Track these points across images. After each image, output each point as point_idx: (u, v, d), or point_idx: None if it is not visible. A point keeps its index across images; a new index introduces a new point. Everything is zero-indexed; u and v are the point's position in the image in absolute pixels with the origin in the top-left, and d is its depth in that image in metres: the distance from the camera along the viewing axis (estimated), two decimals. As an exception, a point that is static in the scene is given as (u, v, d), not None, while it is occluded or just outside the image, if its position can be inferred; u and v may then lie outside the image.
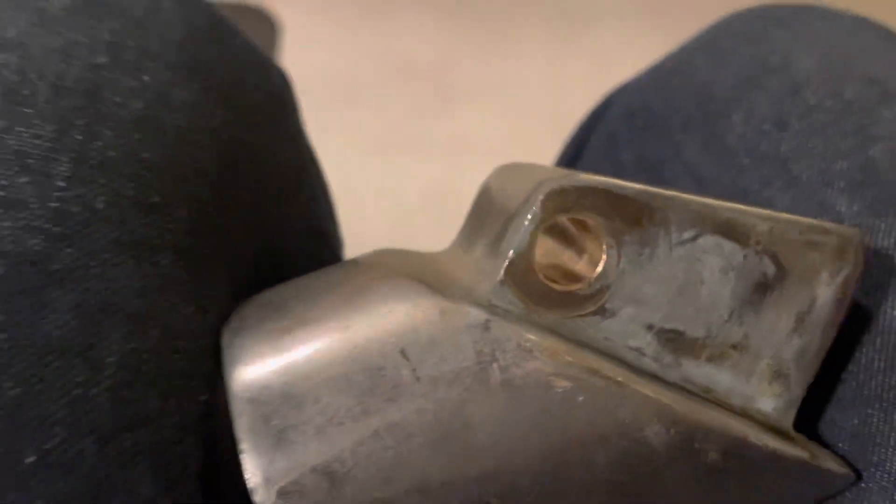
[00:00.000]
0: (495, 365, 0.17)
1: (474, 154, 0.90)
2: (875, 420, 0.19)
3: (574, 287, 0.18)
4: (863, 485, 0.19)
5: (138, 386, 0.16)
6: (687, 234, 0.18)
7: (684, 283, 0.18)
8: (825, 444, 0.20)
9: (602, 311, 0.18)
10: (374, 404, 0.17)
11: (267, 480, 0.16)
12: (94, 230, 0.17)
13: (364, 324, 0.18)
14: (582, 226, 0.18)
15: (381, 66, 0.92)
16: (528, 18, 1.00)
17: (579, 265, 0.19)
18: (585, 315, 0.18)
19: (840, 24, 0.27)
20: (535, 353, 0.17)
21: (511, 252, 0.17)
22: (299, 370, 0.17)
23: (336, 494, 0.16)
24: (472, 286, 0.18)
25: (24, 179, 0.17)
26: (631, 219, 0.18)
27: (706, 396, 0.19)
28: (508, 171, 0.22)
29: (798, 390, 0.19)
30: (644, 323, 0.18)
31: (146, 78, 0.20)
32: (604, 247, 0.18)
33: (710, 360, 0.19)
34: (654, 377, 0.18)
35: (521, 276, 0.17)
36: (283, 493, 0.16)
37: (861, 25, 0.27)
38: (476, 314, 0.17)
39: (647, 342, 0.18)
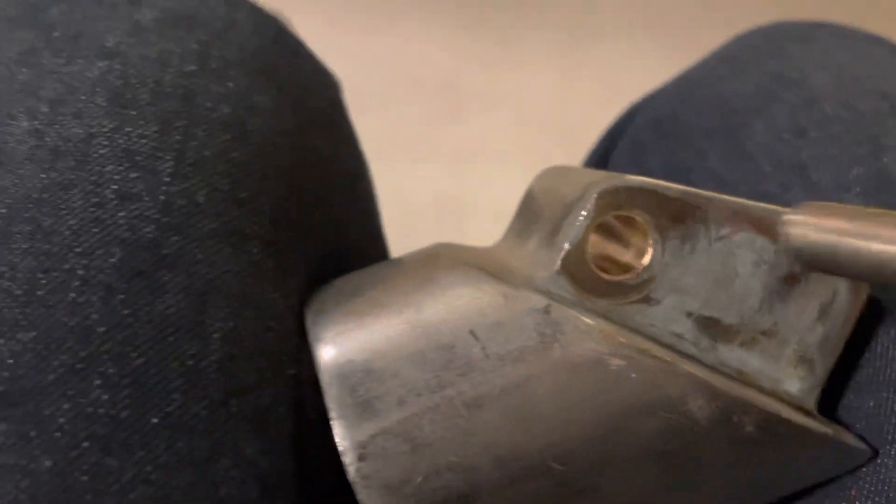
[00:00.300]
0: (556, 345, 0.19)
1: (482, 162, 0.92)
2: (890, 402, 0.21)
3: (622, 277, 0.20)
4: (879, 460, 0.21)
5: (239, 359, 0.18)
6: (724, 231, 0.20)
7: (721, 276, 0.20)
8: (844, 425, 0.22)
9: (647, 300, 0.20)
10: (448, 378, 0.19)
11: (354, 444, 0.18)
12: (196, 220, 0.19)
13: (435, 307, 0.20)
14: (629, 222, 0.20)
15: (391, 74, 0.94)
16: (537, 31, 1.03)
17: (626, 257, 0.21)
18: (632, 303, 0.20)
19: (854, 41, 0.29)
20: (591, 334, 0.19)
21: (566, 245, 0.19)
22: (379, 347, 0.19)
23: (415, 457, 0.18)
24: (531, 275, 0.20)
25: (134, 175, 0.19)
26: (674, 216, 0.20)
27: (739, 378, 0.21)
28: (555, 174, 0.24)
29: (821, 374, 0.21)
30: (684, 310, 0.20)
31: (231, 84, 0.22)
32: (650, 241, 0.20)
33: (742, 345, 0.21)
34: (694, 359, 0.20)
35: (576, 266, 0.20)
36: (368, 456, 0.18)
37: (874, 43, 0.29)
38: (537, 299, 0.19)
39: (687, 328, 0.20)
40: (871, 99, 0.26)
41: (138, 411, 0.17)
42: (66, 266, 0.17)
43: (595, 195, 0.19)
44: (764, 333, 0.21)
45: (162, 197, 0.19)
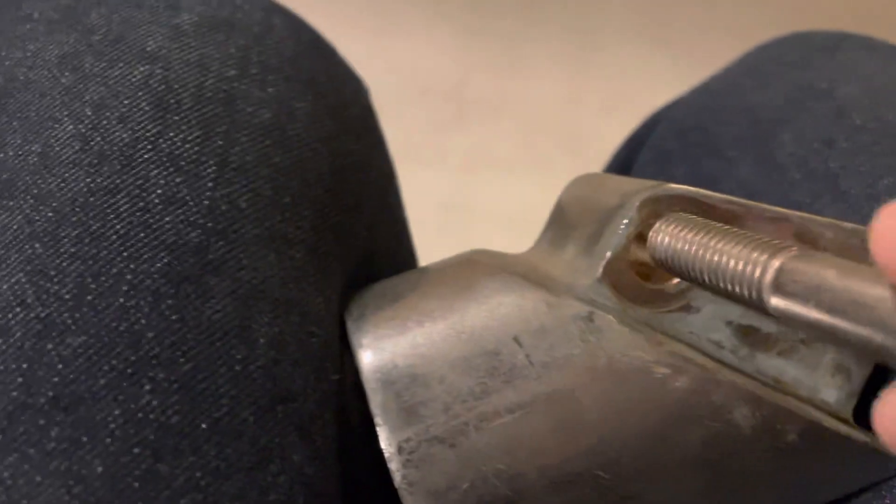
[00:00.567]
0: (601, 352, 0.19)
1: (488, 169, 0.93)
2: None
3: (663, 285, 0.20)
4: None
5: (285, 365, 0.18)
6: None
7: None
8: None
9: (687, 308, 0.20)
10: (494, 385, 0.19)
11: (400, 450, 0.18)
12: (240, 225, 0.19)
13: (478, 314, 0.20)
14: None
15: (398, 81, 0.94)
16: (544, 39, 1.03)
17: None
18: (673, 311, 0.20)
19: (880, 52, 0.29)
20: (636, 342, 0.19)
21: (608, 253, 0.19)
22: (423, 353, 0.19)
23: (461, 464, 0.18)
24: (572, 282, 0.20)
25: (179, 179, 0.19)
26: None
27: (777, 386, 0.21)
28: (587, 182, 0.25)
29: (857, 383, 0.21)
30: (724, 319, 0.20)
31: (271, 90, 0.22)
32: None
33: (780, 353, 0.21)
34: (734, 368, 0.20)
35: (617, 274, 0.20)
36: (414, 462, 0.18)
37: None
38: (580, 307, 0.19)
39: (726, 336, 0.20)
40: None
41: (188, 417, 0.17)
42: (115, 270, 0.17)
43: (637, 203, 0.19)
44: (802, 342, 0.21)
45: (206, 202, 0.19)
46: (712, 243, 0.17)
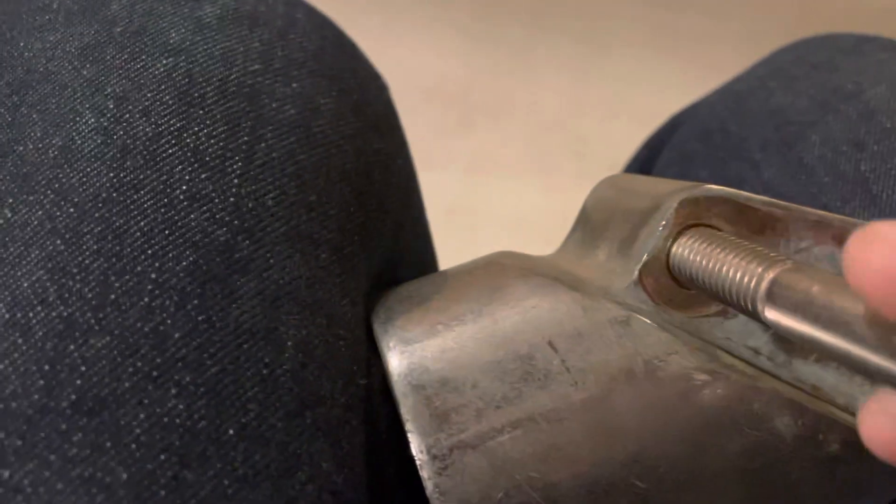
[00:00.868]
0: (639, 358, 0.18)
1: (494, 173, 0.92)
2: None
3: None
4: None
5: (313, 368, 0.18)
6: (804, 244, 0.20)
7: None
8: None
9: (724, 313, 0.19)
10: (528, 390, 0.18)
11: (433, 458, 0.17)
12: (267, 224, 0.18)
13: (510, 317, 0.19)
14: None
15: (404, 85, 0.93)
16: (548, 43, 1.03)
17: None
18: (709, 315, 0.19)
19: None
20: (675, 347, 0.18)
21: (645, 255, 0.19)
22: (454, 357, 0.18)
23: (495, 472, 0.17)
24: (606, 285, 0.19)
25: (204, 175, 0.18)
26: (755, 227, 0.19)
27: (815, 394, 0.20)
28: (615, 184, 0.24)
29: None
30: (762, 324, 0.20)
31: (295, 85, 0.21)
32: None
33: (817, 360, 0.20)
34: (771, 375, 0.20)
35: (653, 277, 0.19)
36: (447, 470, 0.17)
37: None
38: (617, 310, 0.19)
39: (763, 342, 0.20)
40: None
41: (215, 422, 0.16)
42: (139, 269, 0.17)
43: (675, 205, 0.19)
44: None
45: (232, 199, 0.18)
46: (716, 253, 0.17)
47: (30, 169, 0.17)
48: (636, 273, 0.19)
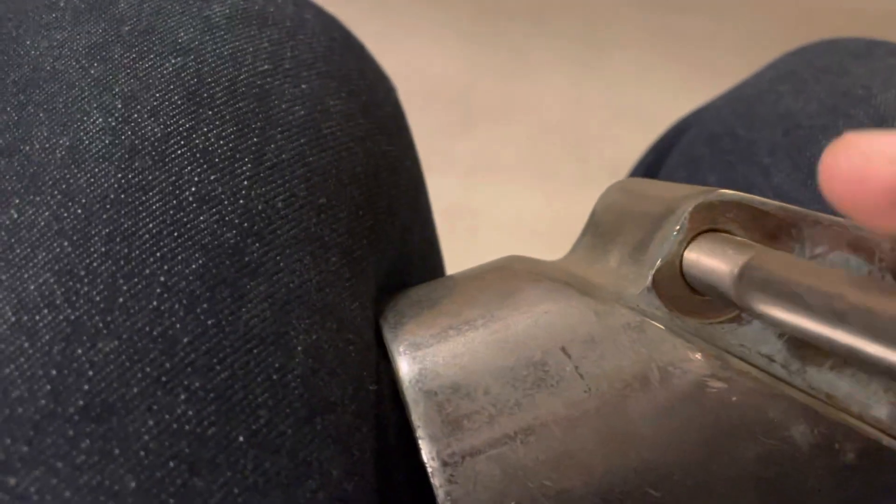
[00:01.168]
0: (654, 364, 0.18)
1: (494, 174, 0.92)
2: None
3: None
4: None
5: (323, 374, 0.17)
6: (819, 250, 0.19)
7: None
8: None
9: (738, 319, 0.19)
10: (541, 397, 0.18)
11: (444, 465, 0.17)
12: (276, 227, 0.18)
13: (523, 322, 0.19)
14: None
15: (405, 86, 0.93)
16: (549, 44, 1.02)
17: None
18: (723, 322, 0.19)
19: None
20: (690, 354, 0.18)
21: (659, 260, 0.19)
22: (466, 363, 0.18)
23: (507, 480, 0.17)
24: (619, 291, 0.19)
25: (213, 176, 0.18)
26: (769, 233, 0.19)
27: (829, 402, 0.20)
28: (625, 189, 0.24)
29: None
30: (775, 331, 0.19)
31: (304, 86, 0.21)
32: None
33: (832, 368, 0.20)
34: (786, 382, 0.19)
35: (668, 282, 0.19)
36: (458, 478, 0.17)
37: None
38: (631, 316, 0.18)
39: (777, 349, 0.19)
40: None
41: (224, 428, 0.16)
42: (147, 271, 0.16)
43: (690, 209, 0.19)
44: None
45: (242, 201, 0.18)
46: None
47: (36, 169, 0.17)
48: (650, 278, 0.19)
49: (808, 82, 0.30)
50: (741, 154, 0.29)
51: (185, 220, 0.17)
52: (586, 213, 0.24)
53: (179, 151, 0.18)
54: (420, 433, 0.17)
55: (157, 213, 0.17)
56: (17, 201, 0.17)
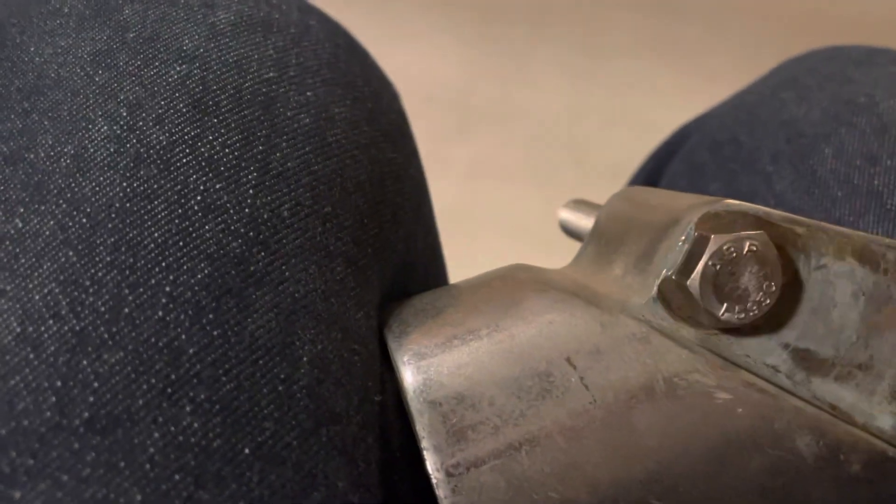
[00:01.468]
0: (659, 375, 0.18)
1: (492, 178, 0.92)
2: None
3: None
4: None
5: (328, 384, 0.17)
6: (824, 260, 0.19)
7: (818, 306, 0.19)
8: None
9: (743, 329, 0.19)
10: (546, 408, 0.18)
11: (448, 476, 0.17)
12: (282, 236, 0.18)
13: (527, 332, 0.19)
14: None
15: (403, 89, 0.93)
16: (549, 48, 1.03)
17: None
18: (729, 332, 0.19)
19: None
20: (696, 365, 0.18)
21: (664, 270, 0.19)
22: (471, 373, 0.18)
23: (512, 492, 0.17)
24: (624, 301, 0.19)
25: (219, 185, 0.18)
26: (774, 243, 0.19)
27: (833, 413, 0.20)
28: (629, 197, 0.24)
29: None
30: (781, 342, 0.19)
31: (309, 94, 0.21)
32: None
33: (837, 378, 0.20)
34: (791, 393, 0.19)
35: (672, 293, 0.19)
36: (463, 489, 0.17)
37: None
38: (636, 326, 0.18)
39: (782, 360, 0.19)
40: None
41: (230, 441, 0.15)
42: (153, 282, 0.16)
43: (696, 219, 0.19)
44: (859, 367, 0.20)
45: (247, 210, 0.18)
46: None
47: (41, 177, 0.17)
48: (655, 288, 0.19)
49: (810, 90, 0.30)
50: (744, 162, 0.29)
51: (190, 229, 0.17)
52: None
53: (185, 160, 0.18)
54: (424, 444, 0.17)
55: (163, 222, 0.17)
56: (22, 210, 0.16)
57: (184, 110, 0.18)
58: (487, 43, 1.03)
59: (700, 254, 0.18)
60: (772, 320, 0.19)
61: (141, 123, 0.18)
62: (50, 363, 0.15)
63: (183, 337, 0.16)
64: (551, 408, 0.18)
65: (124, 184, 0.17)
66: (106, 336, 0.15)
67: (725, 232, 0.19)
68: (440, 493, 0.17)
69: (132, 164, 0.17)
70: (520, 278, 0.21)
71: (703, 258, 0.18)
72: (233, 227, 0.17)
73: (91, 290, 0.16)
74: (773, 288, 0.18)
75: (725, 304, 0.19)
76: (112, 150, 0.17)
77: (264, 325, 0.17)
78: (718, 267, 0.18)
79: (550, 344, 0.18)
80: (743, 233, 0.18)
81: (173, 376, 0.15)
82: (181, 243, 0.17)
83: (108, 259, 0.16)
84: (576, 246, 0.25)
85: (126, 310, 0.16)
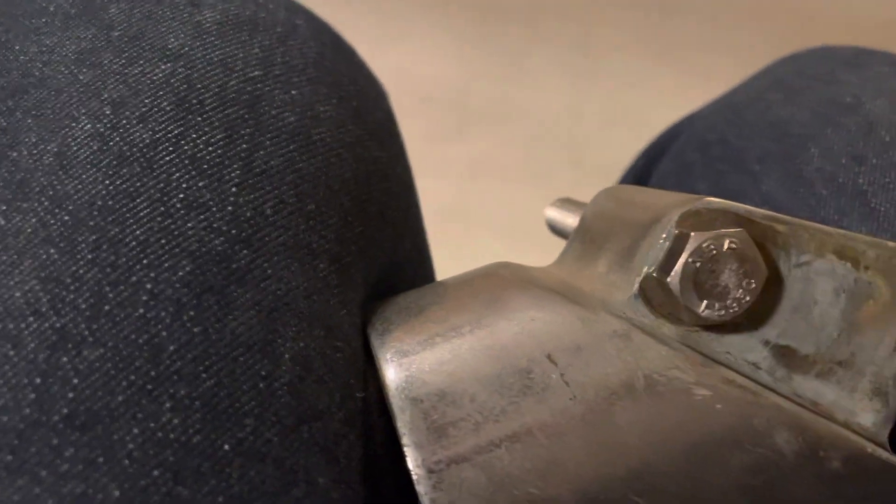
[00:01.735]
0: (639, 372, 0.18)
1: (489, 178, 0.92)
2: None
3: None
4: None
5: (310, 382, 0.17)
6: (805, 258, 0.19)
7: (799, 303, 0.20)
8: None
9: (724, 326, 0.19)
10: (527, 404, 0.18)
11: (429, 472, 0.17)
12: (265, 234, 0.18)
13: (509, 329, 0.19)
14: None
15: (400, 89, 0.93)
16: (546, 50, 1.03)
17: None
18: (709, 329, 0.19)
19: None
20: (676, 362, 0.18)
21: (646, 268, 0.19)
22: (452, 370, 0.18)
23: (493, 488, 0.17)
24: (605, 298, 0.19)
25: (201, 183, 0.18)
26: (755, 240, 0.19)
27: (814, 409, 0.20)
28: (614, 195, 0.24)
29: (894, 407, 0.20)
30: (761, 339, 0.19)
31: (294, 92, 0.21)
32: None
33: (818, 375, 0.20)
34: (771, 390, 0.19)
35: (654, 290, 0.19)
36: (444, 485, 0.17)
37: None
38: (617, 323, 0.18)
39: (763, 357, 0.20)
40: None
41: (210, 437, 0.16)
42: (134, 279, 0.16)
43: (677, 217, 0.19)
44: (840, 364, 0.20)
45: (230, 207, 0.18)
46: None
47: (24, 175, 0.17)
48: (637, 285, 0.19)
49: (798, 90, 0.30)
50: (732, 161, 0.29)
51: (172, 226, 0.17)
52: (580, 216, 0.24)
53: (168, 158, 0.18)
54: (406, 440, 0.17)
55: (145, 219, 0.17)
56: (4, 208, 0.17)
57: (168, 108, 0.19)
58: (486, 43, 1.03)
59: (680, 251, 0.18)
60: (753, 317, 0.19)
61: (125, 121, 0.18)
62: (30, 360, 0.15)
63: (164, 334, 0.16)
64: (532, 404, 0.18)
65: (107, 181, 0.17)
66: (86, 333, 0.15)
67: (706, 230, 0.19)
68: (421, 489, 0.17)
69: (115, 162, 0.17)
70: (502, 275, 0.21)
71: (683, 255, 0.19)
72: (215, 225, 0.17)
73: (72, 288, 0.16)
74: (754, 285, 0.19)
75: (706, 301, 0.19)
76: (95, 147, 0.18)
77: (245, 322, 0.17)
78: (699, 264, 0.19)
79: (532, 341, 0.19)
80: (723, 230, 0.18)
81: (153, 373, 0.16)
82: (163, 241, 0.17)
83: (90, 256, 0.16)
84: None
85: (107, 307, 0.16)
